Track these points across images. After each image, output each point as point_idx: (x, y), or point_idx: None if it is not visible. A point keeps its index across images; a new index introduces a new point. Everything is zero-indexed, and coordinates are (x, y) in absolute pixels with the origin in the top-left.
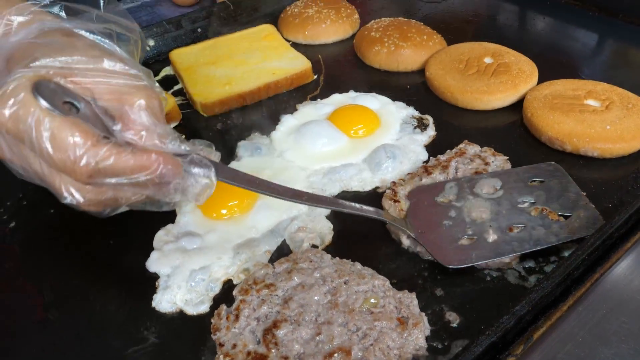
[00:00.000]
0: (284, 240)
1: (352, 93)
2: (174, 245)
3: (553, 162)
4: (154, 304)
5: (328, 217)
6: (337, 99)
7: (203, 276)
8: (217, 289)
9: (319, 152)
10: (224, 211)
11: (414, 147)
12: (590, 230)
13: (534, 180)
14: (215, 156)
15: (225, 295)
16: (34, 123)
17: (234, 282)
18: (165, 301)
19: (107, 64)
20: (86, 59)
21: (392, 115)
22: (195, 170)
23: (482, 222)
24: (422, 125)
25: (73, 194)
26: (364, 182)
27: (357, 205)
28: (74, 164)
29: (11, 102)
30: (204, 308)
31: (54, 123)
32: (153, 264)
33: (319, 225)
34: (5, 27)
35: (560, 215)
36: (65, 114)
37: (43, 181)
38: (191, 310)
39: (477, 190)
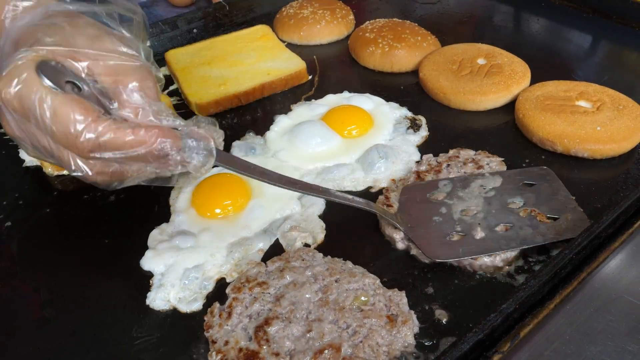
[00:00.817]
0: (277, 239)
1: (346, 93)
2: (168, 244)
3: (545, 167)
4: (148, 301)
5: (321, 217)
6: (331, 100)
7: (196, 274)
8: (210, 287)
9: (313, 152)
10: (217, 210)
11: (406, 147)
12: (577, 231)
13: (526, 183)
14: (218, 134)
15: (219, 293)
16: (37, 101)
17: (227, 280)
18: (159, 299)
19: (106, 43)
20: (86, 38)
21: (386, 116)
22: (194, 143)
23: (471, 220)
24: (415, 126)
25: (80, 167)
26: (357, 182)
27: (349, 197)
28: (76, 139)
29: (16, 81)
30: (197, 306)
31: (56, 100)
32: (147, 262)
33: (311, 225)
34: (12, 12)
35: (549, 218)
36: (67, 93)
37: (52, 156)
38: (184, 308)
39: (470, 189)
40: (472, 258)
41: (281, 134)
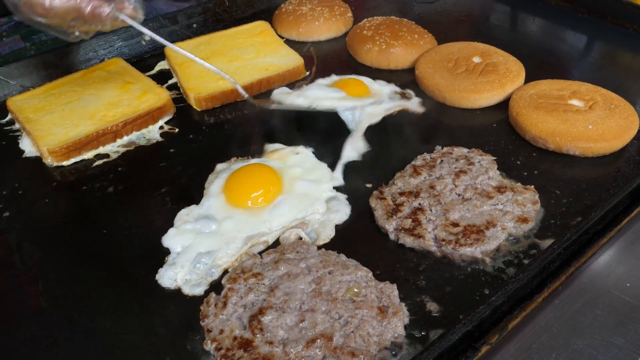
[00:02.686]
0: None
1: (334, 76)
2: (191, 226)
3: None
4: (157, 276)
5: (337, 226)
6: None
7: (207, 260)
8: (216, 274)
9: None
10: (245, 201)
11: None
12: None
13: None
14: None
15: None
16: None
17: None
18: (167, 277)
19: None
20: None
21: (379, 90)
22: None
23: None
24: (405, 98)
25: None
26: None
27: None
28: None
29: None
30: (199, 290)
31: None
32: (168, 239)
33: (324, 230)
34: None
35: None
36: None
37: None
38: (187, 290)
39: None
40: (452, 248)
41: None
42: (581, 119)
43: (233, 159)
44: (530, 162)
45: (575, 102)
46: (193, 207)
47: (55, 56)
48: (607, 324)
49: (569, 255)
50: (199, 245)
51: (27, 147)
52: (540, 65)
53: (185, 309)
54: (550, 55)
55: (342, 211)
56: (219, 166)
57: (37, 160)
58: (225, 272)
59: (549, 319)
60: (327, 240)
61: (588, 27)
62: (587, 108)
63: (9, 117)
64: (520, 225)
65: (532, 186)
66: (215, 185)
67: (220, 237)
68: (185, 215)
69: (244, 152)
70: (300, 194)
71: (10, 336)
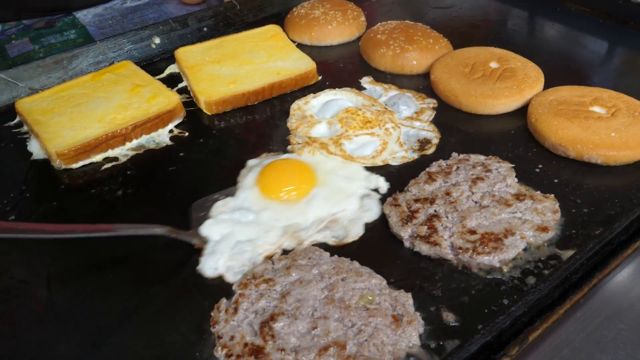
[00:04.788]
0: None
1: None
2: (228, 216)
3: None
4: (198, 267)
5: (367, 224)
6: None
7: (247, 247)
8: (258, 261)
9: None
10: (280, 194)
11: None
12: None
13: None
14: None
15: None
16: None
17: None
18: (207, 266)
19: None
20: None
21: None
22: None
23: None
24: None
25: None
26: None
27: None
28: None
29: None
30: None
31: None
32: (206, 228)
33: (353, 229)
34: None
35: None
36: None
37: None
38: (230, 278)
39: None
40: (469, 257)
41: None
42: (603, 126)
43: (264, 154)
44: (550, 170)
45: (596, 108)
46: (229, 199)
47: (65, 59)
48: (631, 339)
49: (591, 266)
50: (238, 234)
51: (36, 149)
52: (560, 71)
53: (194, 315)
54: (570, 61)
55: (373, 210)
56: (251, 162)
57: (45, 163)
58: (266, 259)
59: (570, 332)
60: (355, 238)
61: (609, 32)
62: (610, 115)
63: (17, 119)
64: (540, 234)
65: (552, 195)
66: (249, 178)
67: (258, 226)
68: (222, 206)
69: (258, 154)
70: (335, 188)
71: (17, 340)
